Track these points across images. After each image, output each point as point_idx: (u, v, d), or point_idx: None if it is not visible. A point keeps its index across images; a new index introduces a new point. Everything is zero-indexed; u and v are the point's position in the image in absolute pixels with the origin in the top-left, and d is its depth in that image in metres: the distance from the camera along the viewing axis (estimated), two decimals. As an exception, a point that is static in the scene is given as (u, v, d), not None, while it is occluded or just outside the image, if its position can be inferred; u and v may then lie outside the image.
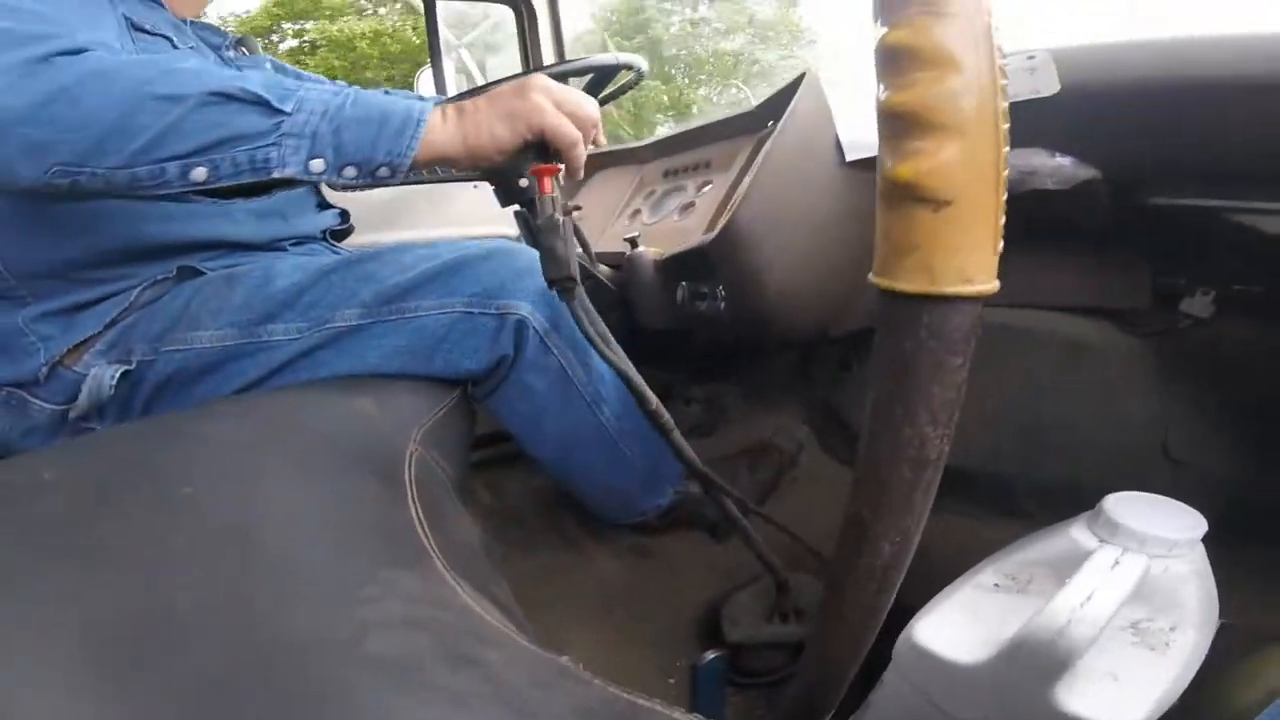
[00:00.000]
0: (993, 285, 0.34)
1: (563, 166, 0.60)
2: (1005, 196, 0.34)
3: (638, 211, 1.20)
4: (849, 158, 0.85)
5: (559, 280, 0.61)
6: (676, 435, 0.74)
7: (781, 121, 0.85)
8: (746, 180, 0.85)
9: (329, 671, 0.27)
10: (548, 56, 1.59)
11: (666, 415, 0.74)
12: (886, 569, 0.41)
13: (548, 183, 0.58)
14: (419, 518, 0.42)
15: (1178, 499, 0.60)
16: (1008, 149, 0.33)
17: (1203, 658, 0.57)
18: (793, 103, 0.85)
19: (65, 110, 0.45)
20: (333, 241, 0.89)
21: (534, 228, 0.89)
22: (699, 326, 1.02)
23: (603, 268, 0.90)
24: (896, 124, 0.33)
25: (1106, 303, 0.88)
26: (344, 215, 0.91)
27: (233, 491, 0.39)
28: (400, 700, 0.25)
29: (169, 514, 0.37)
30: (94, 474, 0.41)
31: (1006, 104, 0.33)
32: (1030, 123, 0.70)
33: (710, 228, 0.95)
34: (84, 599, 0.31)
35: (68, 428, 0.65)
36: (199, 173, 0.48)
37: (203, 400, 0.65)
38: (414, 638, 0.29)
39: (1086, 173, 0.71)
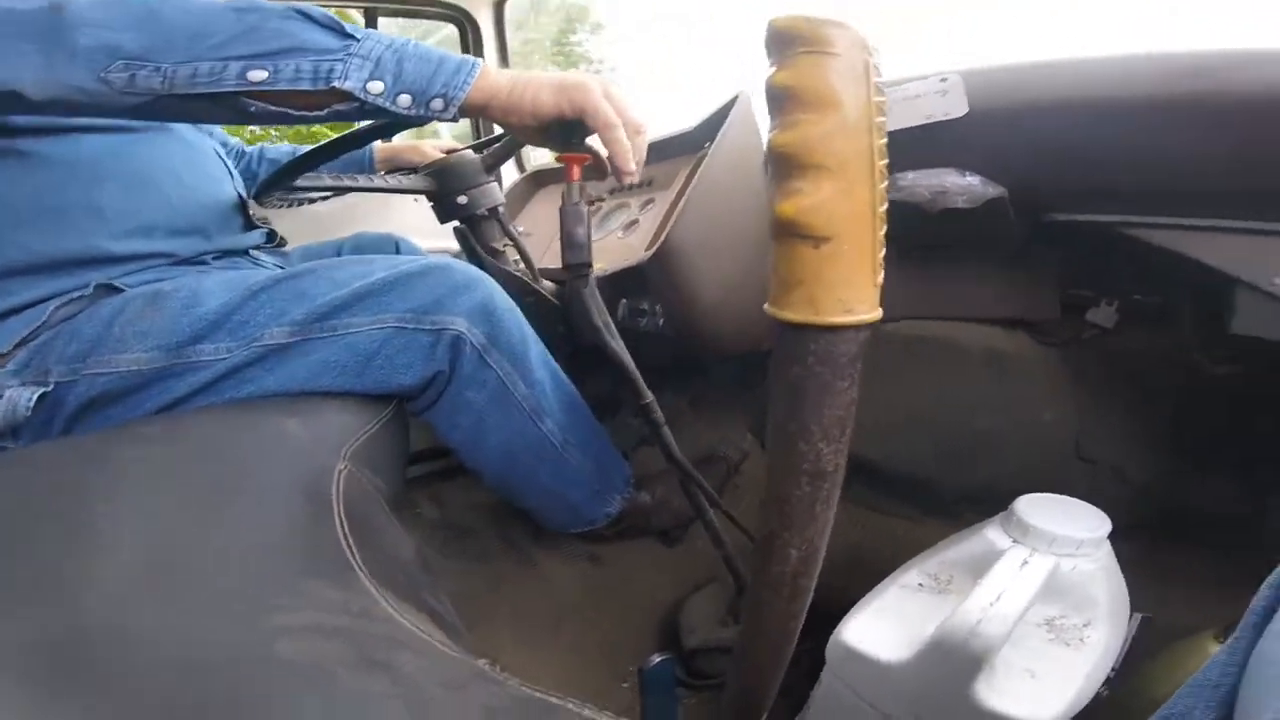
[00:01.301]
0: (874, 314, 0.37)
1: (590, 157, 0.61)
2: (884, 230, 0.36)
3: (583, 227, 1.22)
4: None
5: (575, 265, 0.63)
6: (665, 431, 0.76)
7: (714, 143, 0.88)
8: (683, 200, 0.87)
9: (237, 677, 0.27)
10: (495, 75, 1.60)
11: (658, 411, 0.75)
12: (796, 575, 0.43)
13: (576, 170, 0.60)
14: (344, 533, 0.43)
15: (1092, 497, 0.64)
16: (885, 184, 0.36)
17: (1116, 651, 0.60)
18: (724, 125, 0.88)
19: (144, 14, 0.49)
20: (256, 255, 0.87)
21: (509, 234, 0.89)
22: (640, 341, 1.05)
23: (546, 283, 0.91)
24: (780, 163, 0.35)
25: (1019, 314, 0.93)
26: (271, 235, 0.90)
27: (152, 515, 0.39)
28: (304, 702, 0.26)
29: (88, 537, 0.37)
30: (11, 497, 0.41)
31: (883, 141, 0.35)
32: (943, 143, 0.75)
33: (651, 245, 0.97)
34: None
35: None
36: (258, 74, 0.49)
37: (125, 419, 0.64)
38: (325, 644, 0.30)
39: (994, 191, 0.75)
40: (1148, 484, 0.90)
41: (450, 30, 1.62)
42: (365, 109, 0.52)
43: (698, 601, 0.96)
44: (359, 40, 0.52)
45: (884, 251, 0.37)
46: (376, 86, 0.52)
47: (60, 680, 0.28)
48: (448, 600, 0.56)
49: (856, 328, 0.36)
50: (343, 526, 0.43)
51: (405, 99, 0.53)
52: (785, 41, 0.34)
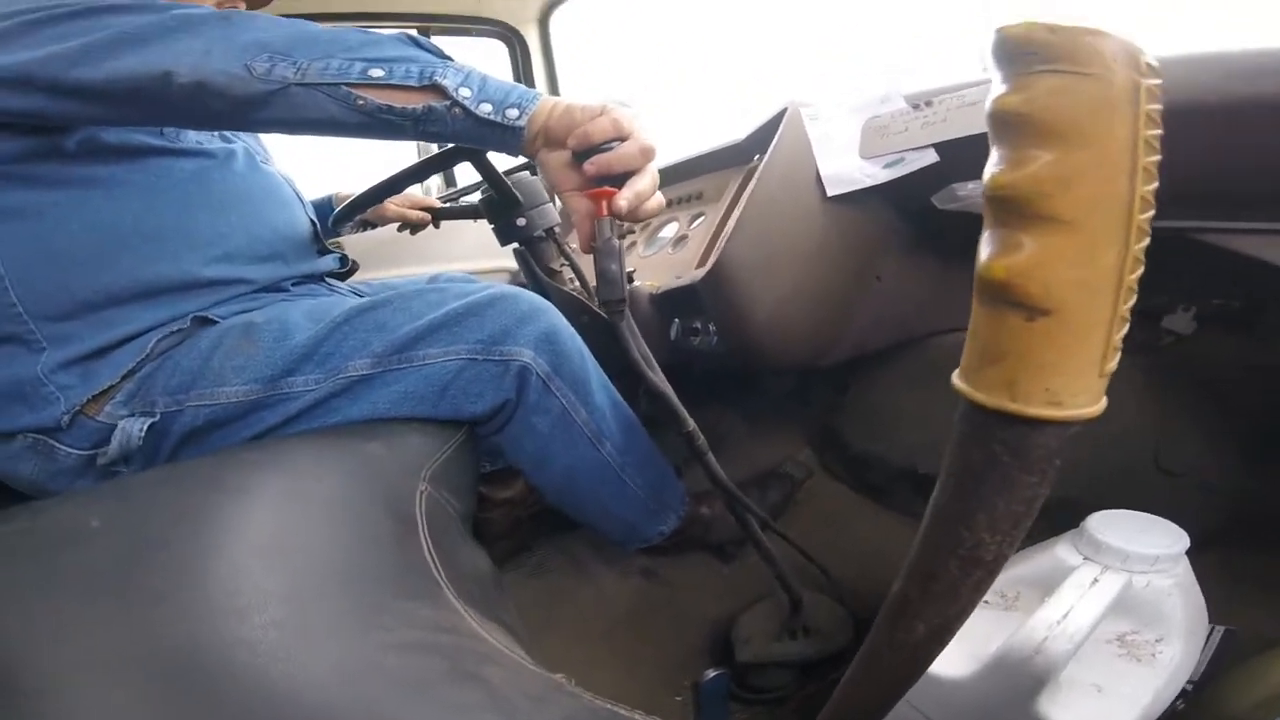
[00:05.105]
0: (1091, 409, 0.29)
1: (617, 190, 0.61)
2: (1129, 304, 0.28)
3: (633, 244, 1.23)
4: (830, 192, 0.88)
5: (610, 302, 0.65)
6: (710, 457, 0.77)
7: (765, 156, 0.88)
8: (735, 215, 0.88)
9: (351, 692, 0.30)
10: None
11: (702, 438, 0.76)
12: (918, 646, 0.38)
13: (604, 204, 0.61)
14: (430, 552, 0.45)
15: (1171, 510, 0.62)
16: (1144, 244, 0.27)
17: (1191, 668, 0.58)
18: (775, 138, 0.88)
19: (295, 29, 0.59)
20: (331, 282, 0.92)
21: (565, 254, 0.92)
22: (694, 359, 1.05)
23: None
24: (998, 209, 0.27)
25: (1090, 320, 0.90)
26: (343, 259, 0.95)
27: (263, 537, 0.42)
28: (412, 712, 0.28)
29: (207, 559, 0.40)
30: (136, 520, 0.45)
31: (1151, 188, 0.27)
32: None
33: (702, 261, 0.98)
34: (132, 640, 0.34)
35: (95, 471, 0.68)
36: (377, 71, 0.58)
37: (223, 445, 0.69)
38: (426, 660, 0.32)
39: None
40: (1230, 494, 0.86)
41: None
42: (453, 108, 0.59)
43: (752, 616, 0.95)
44: (452, 61, 0.61)
45: (1125, 330, 0.28)
46: (466, 92, 0.59)
47: (172, 694, 0.31)
48: (516, 613, 0.59)
49: (1062, 424, 0.29)
50: (428, 545, 0.46)
51: (486, 106, 0.60)
52: (1020, 56, 0.26)
